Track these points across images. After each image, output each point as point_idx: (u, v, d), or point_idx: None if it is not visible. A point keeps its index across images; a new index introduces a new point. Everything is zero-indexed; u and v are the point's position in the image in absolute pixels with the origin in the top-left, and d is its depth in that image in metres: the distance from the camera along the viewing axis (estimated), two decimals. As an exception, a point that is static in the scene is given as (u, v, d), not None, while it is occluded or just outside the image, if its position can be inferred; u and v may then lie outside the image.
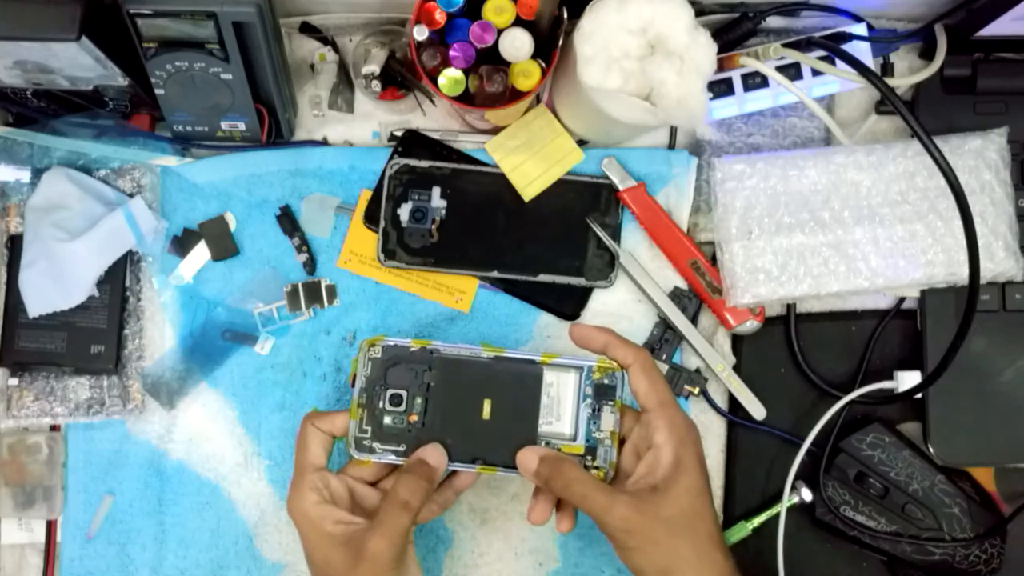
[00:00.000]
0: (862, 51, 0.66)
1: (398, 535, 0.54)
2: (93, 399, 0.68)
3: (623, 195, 0.68)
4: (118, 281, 0.68)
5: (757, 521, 0.67)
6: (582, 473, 0.56)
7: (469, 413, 0.59)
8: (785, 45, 0.64)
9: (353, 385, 0.60)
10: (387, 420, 0.59)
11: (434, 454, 0.58)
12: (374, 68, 0.65)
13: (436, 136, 0.69)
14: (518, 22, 0.58)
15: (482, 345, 0.60)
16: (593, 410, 0.59)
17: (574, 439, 0.59)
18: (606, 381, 0.59)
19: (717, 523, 0.56)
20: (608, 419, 0.59)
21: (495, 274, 0.68)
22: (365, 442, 0.59)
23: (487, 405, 0.59)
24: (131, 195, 0.68)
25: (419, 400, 0.59)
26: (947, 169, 0.56)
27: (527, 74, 0.59)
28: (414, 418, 0.59)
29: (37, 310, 0.65)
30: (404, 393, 0.59)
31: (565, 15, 0.58)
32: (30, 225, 0.66)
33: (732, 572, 0.55)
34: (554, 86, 0.67)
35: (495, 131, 0.68)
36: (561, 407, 0.59)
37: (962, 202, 0.56)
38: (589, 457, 0.59)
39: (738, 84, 0.67)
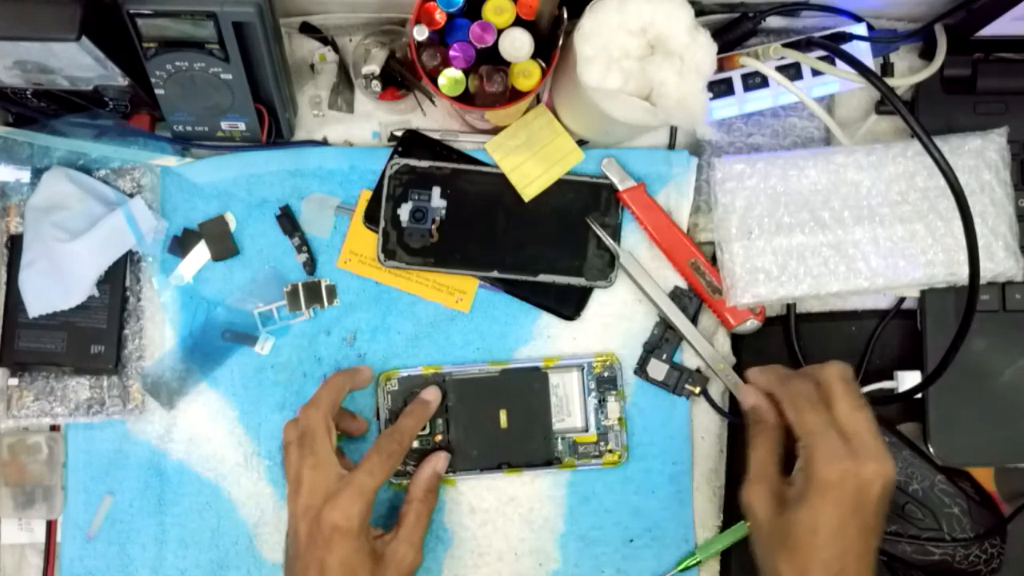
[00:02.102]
0: (862, 51, 0.66)
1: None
2: (93, 399, 0.68)
3: (623, 195, 0.68)
4: (118, 281, 0.68)
5: (757, 521, 0.68)
6: (764, 444, 0.58)
7: (488, 425, 0.65)
8: (785, 45, 0.64)
9: (379, 418, 0.66)
10: (416, 444, 0.66)
11: (429, 468, 0.65)
12: (374, 68, 0.65)
13: (436, 136, 0.69)
14: (518, 22, 0.58)
15: (488, 362, 0.65)
16: (599, 401, 0.64)
17: (586, 430, 0.65)
18: (606, 373, 0.64)
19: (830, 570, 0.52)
20: (613, 407, 0.64)
21: (495, 274, 0.68)
22: (400, 466, 0.65)
23: (503, 415, 0.65)
24: (131, 195, 0.68)
25: (440, 421, 0.65)
26: (947, 169, 0.56)
27: (527, 74, 0.59)
28: (439, 438, 0.66)
29: (37, 310, 0.65)
30: None
31: (565, 15, 0.58)
32: (30, 225, 0.66)
33: None
34: (554, 86, 0.67)
35: (495, 131, 0.68)
36: (570, 404, 0.65)
37: (962, 202, 0.56)
38: (603, 443, 0.64)
39: (738, 84, 0.67)
